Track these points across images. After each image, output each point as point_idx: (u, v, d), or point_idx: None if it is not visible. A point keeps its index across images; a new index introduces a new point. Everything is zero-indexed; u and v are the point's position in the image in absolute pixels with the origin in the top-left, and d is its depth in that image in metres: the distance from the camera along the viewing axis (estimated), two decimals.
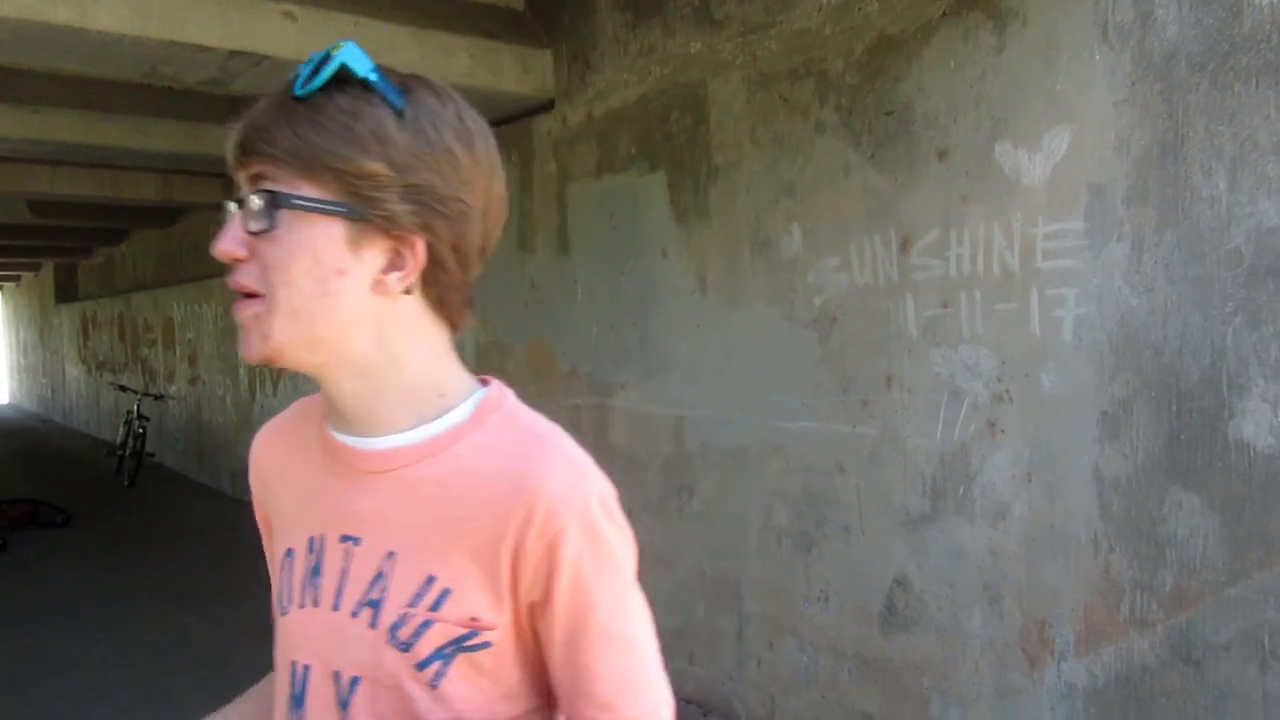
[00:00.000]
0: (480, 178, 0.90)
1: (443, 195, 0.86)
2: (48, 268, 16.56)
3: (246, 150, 0.85)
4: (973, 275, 2.94)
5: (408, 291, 0.89)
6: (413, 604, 0.86)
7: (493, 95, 4.47)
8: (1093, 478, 2.69)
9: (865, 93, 3.19)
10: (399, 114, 0.84)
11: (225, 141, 0.88)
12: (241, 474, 8.80)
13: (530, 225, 4.77)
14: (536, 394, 4.81)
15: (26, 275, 18.19)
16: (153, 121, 5.83)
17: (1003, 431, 2.90)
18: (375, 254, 0.86)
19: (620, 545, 0.91)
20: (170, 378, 10.84)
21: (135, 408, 10.22)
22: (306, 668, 0.91)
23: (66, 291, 16.00)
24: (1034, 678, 2.86)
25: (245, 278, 0.86)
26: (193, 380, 10.10)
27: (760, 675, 3.74)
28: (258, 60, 3.75)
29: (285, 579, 0.95)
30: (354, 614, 0.88)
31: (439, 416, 0.91)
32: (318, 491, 0.94)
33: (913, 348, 3.12)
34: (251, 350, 0.87)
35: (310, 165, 0.83)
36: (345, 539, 0.91)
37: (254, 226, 0.84)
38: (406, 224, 0.85)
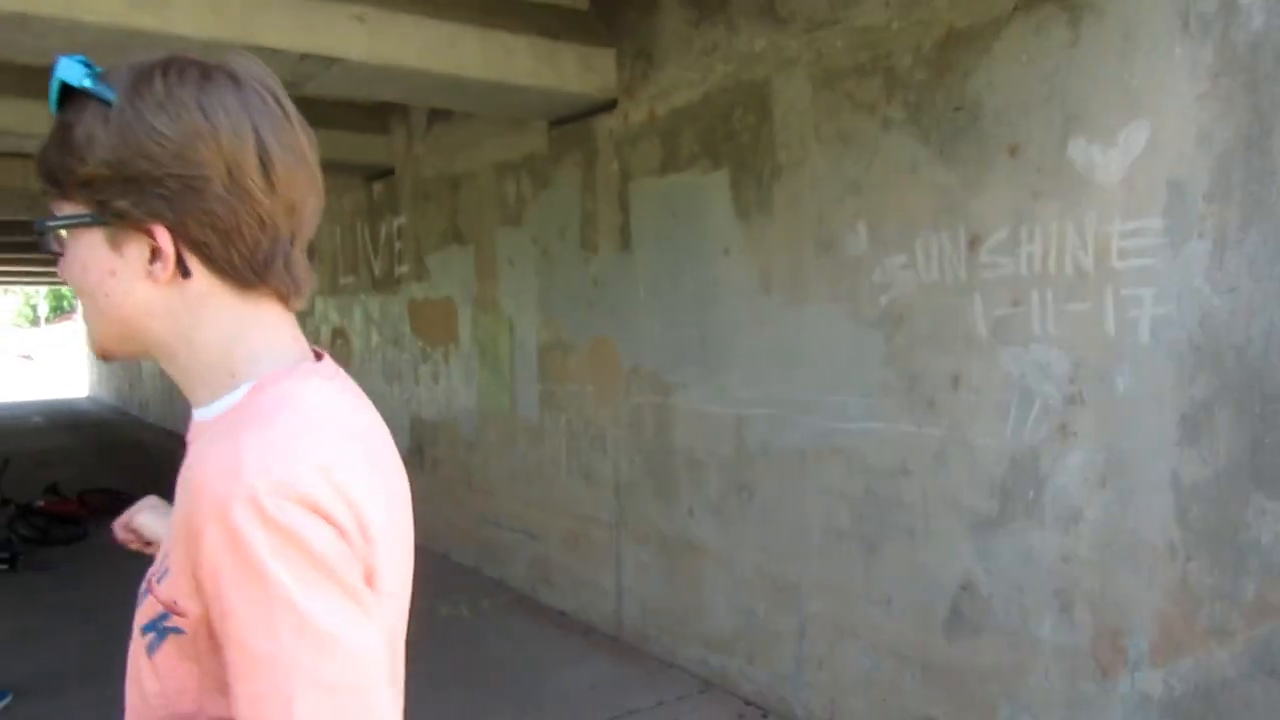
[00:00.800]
0: (208, 143, 0.86)
1: (157, 177, 0.85)
2: None
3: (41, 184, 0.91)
4: (1044, 274, 2.87)
5: (185, 275, 0.89)
6: (152, 575, 0.91)
7: (555, 94, 4.50)
8: (1170, 483, 2.61)
9: (933, 88, 3.14)
10: (107, 111, 0.85)
11: None
12: None
13: (593, 224, 4.79)
14: (598, 392, 4.83)
15: None
16: None
17: (1075, 434, 2.83)
18: (137, 248, 0.88)
19: (271, 552, 0.77)
20: None
21: None
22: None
23: None
24: (1107, 687, 2.79)
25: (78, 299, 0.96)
26: None
27: (821, 677, 3.70)
28: (329, 63, 3.83)
29: None
30: (147, 580, 0.92)
31: (226, 395, 0.92)
32: None
33: (981, 347, 3.06)
34: (94, 350, 0.99)
35: (57, 185, 0.88)
36: (169, 512, 1.00)
37: (54, 252, 0.92)
38: (137, 216, 0.86)
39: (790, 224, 3.70)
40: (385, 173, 6.95)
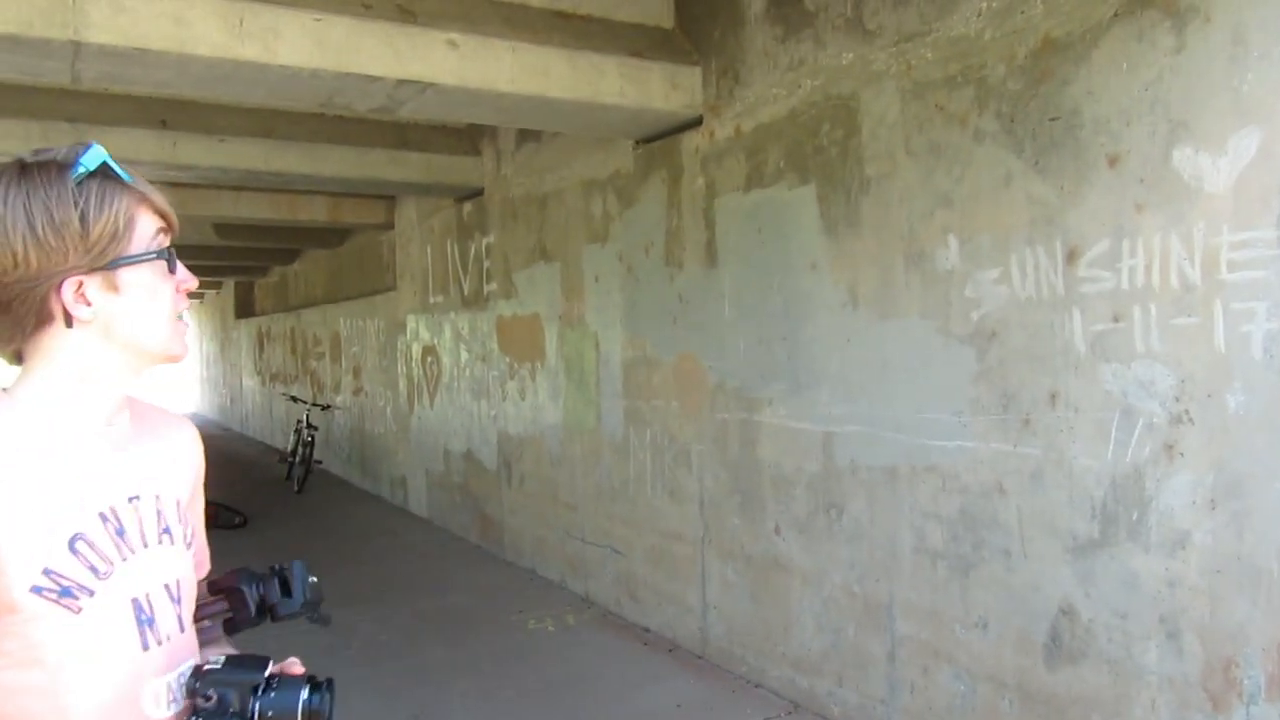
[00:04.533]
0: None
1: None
2: (228, 285, 17.85)
3: None
4: (1147, 288, 2.77)
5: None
6: (179, 519, 1.27)
7: (642, 112, 4.55)
8: None
9: (1028, 99, 3.07)
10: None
11: (157, 199, 1.19)
12: (400, 482, 9.23)
13: (678, 241, 4.81)
14: (683, 408, 4.83)
15: (210, 293, 19.68)
16: (325, 148, 6.22)
17: (1182, 454, 2.72)
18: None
19: None
20: (336, 389, 11.47)
21: (305, 417, 10.86)
22: (148, 594, 1.19)
23: (244, 307, 17.20)
24: None
25: None
26: (356, 392, 10.65)
27: (914, 702, 3.62)
28: (423, 88, 3.95)
29: (88, 555, 1.15)
30: (159, 542, 1.22)
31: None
32: (88, 475, 1.19)
33: (1080, 364, 2.97)
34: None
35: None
36: (131, 499, 1.20)
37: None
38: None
39: (879, 238, 3.66)
40: (475, 193, 7.10)
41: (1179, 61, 2.67)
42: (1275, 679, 2.53)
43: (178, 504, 1.27)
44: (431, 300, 8.14)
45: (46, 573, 1.08)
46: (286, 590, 1.41)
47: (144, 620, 1.18)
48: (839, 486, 3.90)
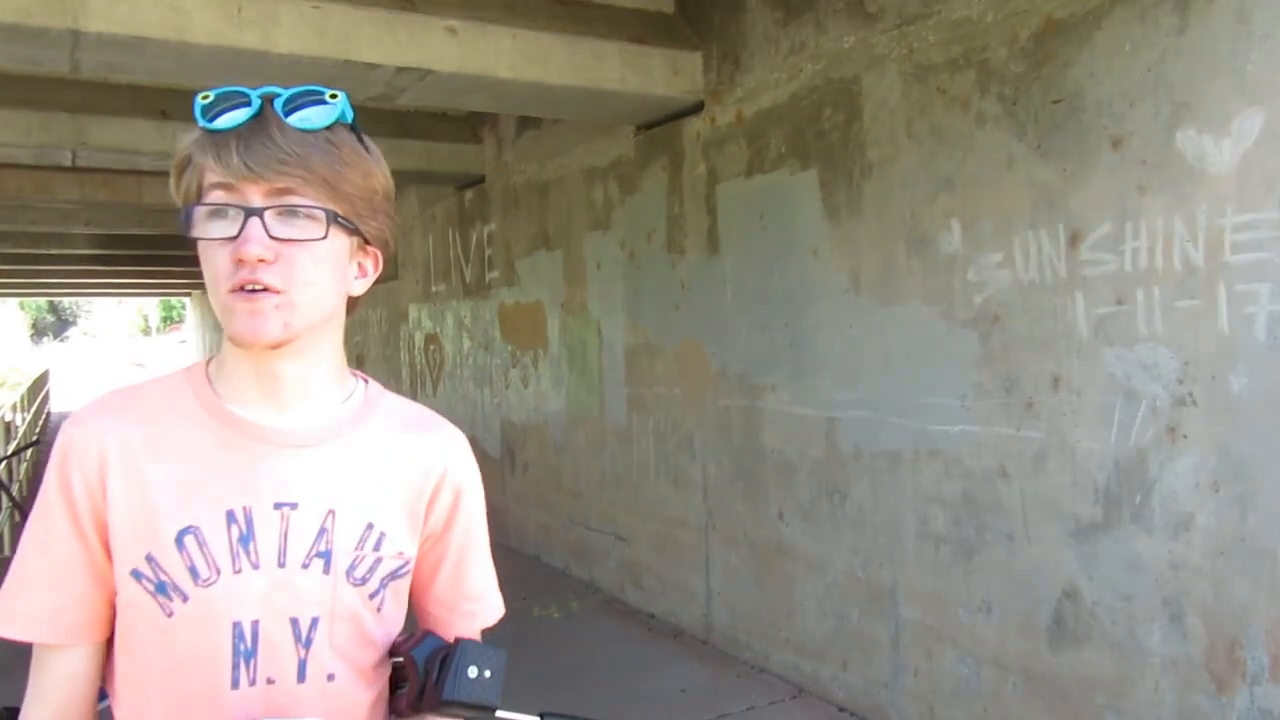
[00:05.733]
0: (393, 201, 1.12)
1: (391, 216, 1.10)
2: None
3: (276, 169, 0.97)
4: (1150, 270, 2.76)
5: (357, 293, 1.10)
6: (359, 548, 1.07)
7: (643, 98, 4.53)
8: None
9: (1030, 81, 3.06)
10: (369, 153, 1.06)
11: (223, 152, 0.97)
12: None
13: (679, 227, 4.80)
14: (685, 395, 4.83)
15: None
16: None
17: (1185, 437, 2.72)
18: (354, 263, 1.08)
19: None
20: None
21: None
22: (256, 622, 1.01)
23: None
24: (1223, 702, 2.66)
25: (271, 278, 0.97)
26: None
27: (918, 685, 3.63)
28: (422, 75, 3.93)
29: (194, 555, 1.01)
30: (304, 566, 1.04)
31: (349, 397, 1.13)
32: (223, 471, 1.03)
33: (1082, 347, 2.96)
34: (271, 334, 0.99)
35: (337, 189, 1.00)
36: (280, 505, 1.04)
37: (294, 234, 0.98)
38: (376, 239, 1.08)
39: (881, 223, 3.65)
40: (476, 181, 7.09)
41: (1182, 42, 2.65)
42: (1278, 660, 2.53)
43: (368, 528, 1.07)
44: (433, 289, 8.13)
45: (149, 559, 0.99)
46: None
47: (241, 652, 1.01)
48: (842, 472, 3.91)
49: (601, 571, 5.80)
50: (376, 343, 9.94)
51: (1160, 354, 2.76)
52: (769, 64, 4.16)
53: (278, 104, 0.99)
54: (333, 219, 1.00)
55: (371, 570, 1.07)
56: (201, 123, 0.98)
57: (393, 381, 9.44)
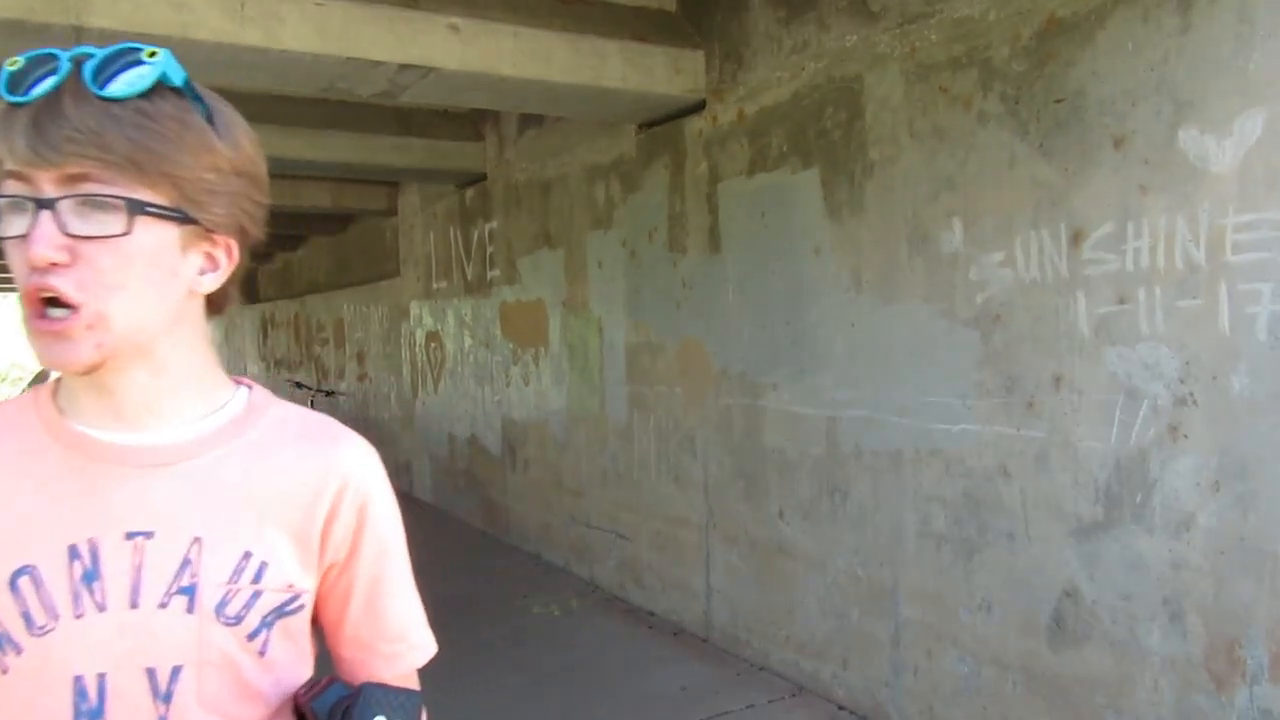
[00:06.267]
0: (266, 181, 0.95)
1: (250, 198, 0.92)
2: None
3: (65, 151, 0.80)
4: (1152, 270, 2.76)
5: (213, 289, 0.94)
6: (233, 580, 0.90)
7: (645, 97, 4.53)
8: None
9: (1033, 80, 3.06)
10: (211, 122, 0.88)
11: (11, 131, 0.81)
12: (404, 468, 9.25)
13: (681, 226, 4.80)
14: (687, 394, 4.84)
15: None
16: (328, 134, 6.21)
17: (1186, 436, 2.72)
18: (194, 256, 0.90)
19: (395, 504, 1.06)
20: (340, 375, 11.49)
21: (309, 404, 10.88)
22: (102, 675, 0.85)
23: (248, 294, 17.20)
24: (1222, 701, 2.66)
25: (66, 285, 0.81)
26: (361, 378, 10.67)
27: (918, 684, 3.63)
28: (425, 72, 3.93)
29: (29, 599, 0.85)
30: (162, 605, 0.87)
31: (221, 408, 0.97)
32: (66, 499, 0.88)
33: (1084, 347, 2.96)
34: (80, 360, 0.84)
35: (147, 171, 0.83)
36: (133, 535, 0.88)
37: (91, 230, 0.82)
38: (225, 226, 0.91)
39: (883, 222, 3.65)
40: (478, 179, 7.09)
41: (1184, 42, 2.65)
42: (1278, 660, 2.53)
43: (245, 558, 0.91)
44: (435, 286, 8.14)
45: None
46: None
47: (85, 711, 0.84)
48: (843, 471, 3.91)
49: (602, 569, 5.80)
50: (378, 339, 9.95)
51: (1161, 353, 2.76)
52: (771, 62, 4.16)
53: (86, 69, 0.82)
54: (137, 210, 0.82)
55: (248, 606, 0.90)
56: (5, 96, 0.82)
57: (394, 378, 9.46)
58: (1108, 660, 2.96)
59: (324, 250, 12.64)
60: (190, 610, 0.88)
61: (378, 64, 3.80)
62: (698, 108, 4.61)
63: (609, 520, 5.68)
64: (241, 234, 0.93)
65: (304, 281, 13.72)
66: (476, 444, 7.51)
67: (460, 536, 7.47)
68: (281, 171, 7.72)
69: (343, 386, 11.34)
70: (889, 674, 3.75)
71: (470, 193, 7.29)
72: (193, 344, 0.95)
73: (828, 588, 4.03)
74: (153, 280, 0.86)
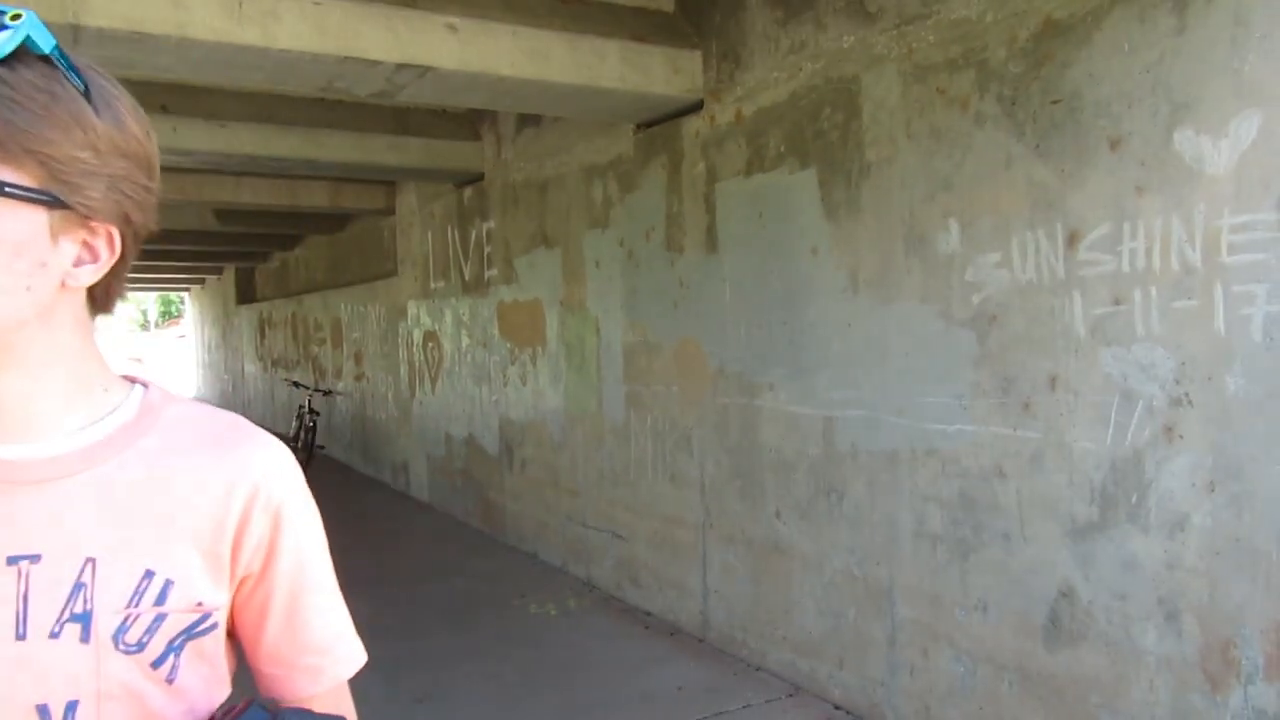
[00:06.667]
0: (156, 165, 0.87)
1: (136, 182, 0.82)
2: (229, 271, 17.85)
3: None
4: (1148, 271, 2.77)
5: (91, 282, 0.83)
6: (133, 604, 0.82)
7: (643, 97, 4.53)
8: None
9: (1029, 81, 3.06)
10: (87, 96, 0.78)
11: None
12: (402, 467, 9.25)
13: (678, 226, 4.81)
14: (684, 393, 4.84)
15: (210, 279, 19.67)
16: (325, 133, 6.21)
17: (1181, 437, 2.72)
18: (69, 245, 0.80)
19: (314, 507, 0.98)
20: (338, 375, 11.48)
21: (306, 403, 10.88)
22: None
23: (245, 293, 17.20)
24: (1217, 701, 2.67)
25: None
26: (358, 377, 10.67)
27: (914, 684, 3.64)
28: (422, 72, 3.93)
29: None
30: (53, 635, 0.79)
31: (111, 412, 0.87)
32: None
33: (1080, 347, 2.97)
34: None
35: (6, 147, 0.74)
36: (16, 560, 0.79)
37: None
38: (105, 213, 0.81)
39: (879, 223, 3.65)
40: (475, 178, 7.09)
41: (1180, 43, 2.66)
42: (1273, 659, 2.54)
43: (147, 577, 0.83)
44: (433, 286, 8.14)
45: None
46: None
47: None
48: (839, 471, 3.91)
49: (599, 569, 5.81)
50: (375, 339, 9.95)
51: (1157, 354, 2.76)
52: (769, 63, 4.16)
53: None
54: None
55: (150, 631, 0.82)
56: None
57: (391, 378, 9.45)
58: (1103, 660, 2.96)
59: (321, 250, 12.65)
60: (85, 639, 0.80)
61: (375, 63, 3.80)
62: (695, 108, 4.62)
63: (606, 520, 5.68)
64: (125, 221, 0.83)
65: (301, 281, 13.72)
66: (474, 444, 7.51)
67: (457, 536, 7.47)
68: (279, 171, 7.73)
69: (340, 386, 11.34)
70: (885, 674, 3.76)
71: (468, 192, 7.30)
72: (70, 343, 0.84)
73: (824, 587, 4.04)
74: (16, 271, 0.76)
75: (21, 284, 0.77)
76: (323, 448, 11.11)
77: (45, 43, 0.75)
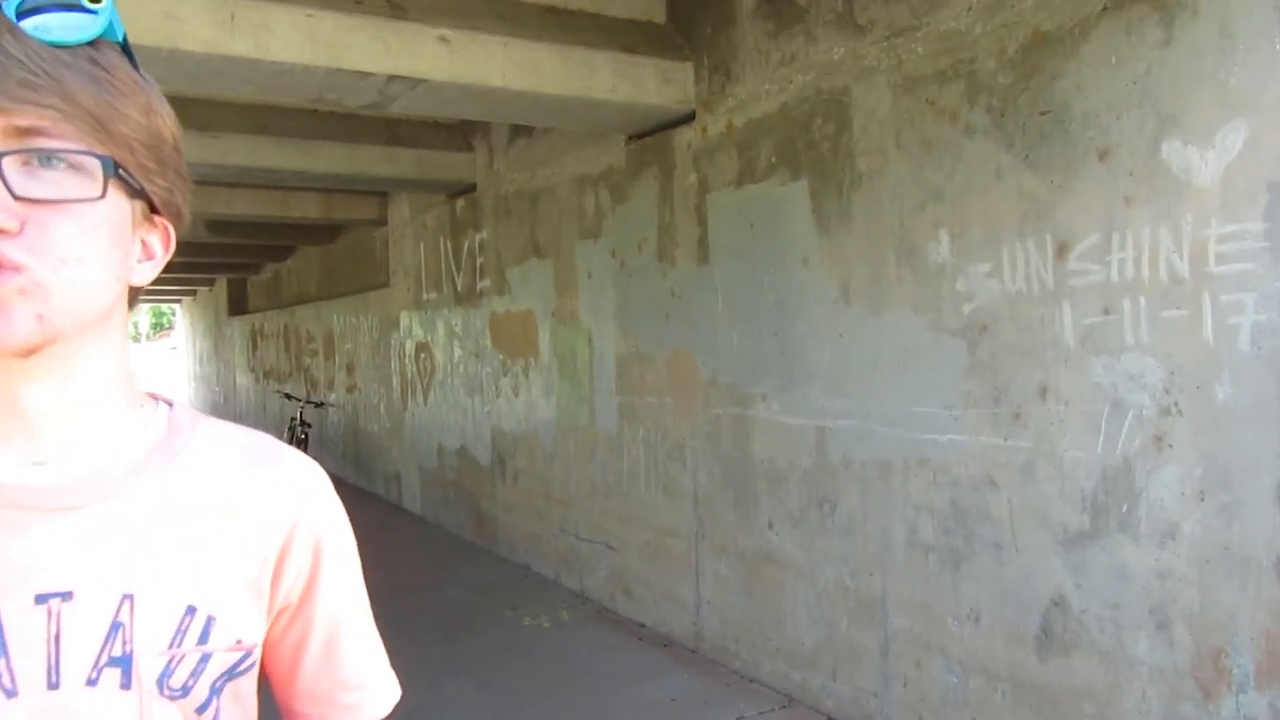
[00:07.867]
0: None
1: (186, 178, 0.78)
2: (221, 282, 17.80)
3: (19, 97, 0.64)
4: (1137, 281, 2.79)
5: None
6: (176, 644, 0.74)
7: (634, 108, 4.55)
8: (1275, 497, 2.50)
9: (1018, 93, 3.08)
10: (150, 86, 0.73)
11: None
12: (394, 479, 9.22)
13: (670, 236, 4.82)
14: (676, 404, 4.84)
15: (202, 290, 19.62)
16: (318, 145, 6.22)
17: (1171, 446, 2.73)
18: (137, 238, 0.75)
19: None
20: (330, 386, 11.45)
21: (299, 415, 10.84)
22: None
23: (237, 305, 17.16)
24: (1209, 710, 2.67)
25: (14, 253, 0.64)
26: (350, 389, 10.64)
27: (907, 695, 3.63)
28: (414, 84, 3.94)
29: None
30: (90, 682, 0.70)
31: (138, 432, 0.79)
32: None
33: (1070, 357, 2.98)
34: (19, 334, 0.65)
35: (110, 131, 0.68)
36: (45, 598, 0.70)
37: (49, 193, 0.66)
38: (168, 207, 0.76)
39: (870, 233, 3.67)
40: (467, 189, 7.10)
41: (1167, 55, 2.68)
42: (1264, 668, 2.55)
43: (189, 614, 0.75)
44: (425, 297, 8.13)
45: None
46: None
47: None
48: (832, 481, 3.92)
49: (592, 580, 5.79)
50: (367, 350, 9.93)
51: (1146, 364, 2.78)
52: (760, 75, 4.18)
53: (7, 7, 0.66)
54: (111, 171, 0.68)
55: (196, 674, 0.75)
56: None
57: (383, 389, 9.44)
58: (1095, 669, 2.97)
59: (314, 261, 12.63)
60: (126, 686, 0.71)
61: (367, 75, 3.81)
62: (687, 119, 4.63)
63: (598, 531, 5.67)
64: (178, 218, 0.78)
65: (293, 292, 13.69)
66: (466, 455, 7.50)
67: (449, 548, 7.44)
68: (271, 182, 7.72)
69: (332, 398, 11.31)
70: (878, 684, 3.75)
71: (460, 203, 7.30)
72: (121, 347, 0.77)
73: (817, 598, 4.03)
74: (111, 259, 0.70)
75: (114, 274, 0.71)
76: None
77: (120, 30, 0.71)
